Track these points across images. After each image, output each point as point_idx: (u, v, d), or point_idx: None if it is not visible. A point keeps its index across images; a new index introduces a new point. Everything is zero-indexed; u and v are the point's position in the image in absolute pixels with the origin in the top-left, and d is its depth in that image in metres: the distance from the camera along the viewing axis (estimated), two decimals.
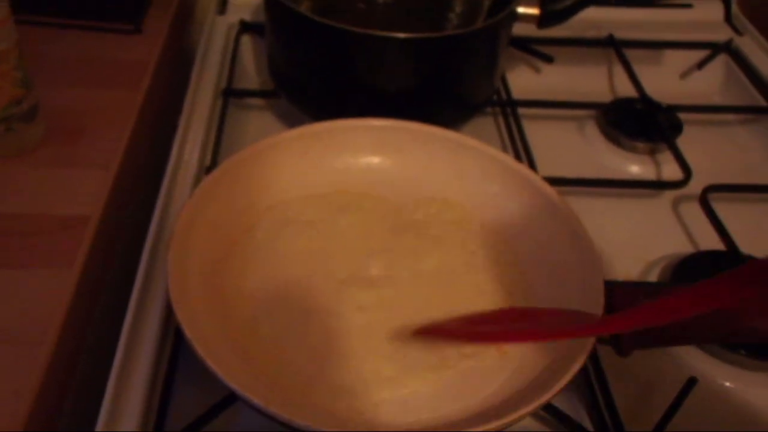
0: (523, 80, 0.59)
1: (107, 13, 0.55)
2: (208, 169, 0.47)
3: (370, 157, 0.44)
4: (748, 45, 0.62)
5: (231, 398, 0.32)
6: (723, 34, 0.63)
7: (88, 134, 0.45)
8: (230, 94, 0.54)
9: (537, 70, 0.61)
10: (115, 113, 0.46)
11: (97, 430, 0.32)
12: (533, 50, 0.59)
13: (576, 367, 0.31)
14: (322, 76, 0.49)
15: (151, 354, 0.35)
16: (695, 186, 0.48)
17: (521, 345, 0.36)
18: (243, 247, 0.39)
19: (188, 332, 0.31)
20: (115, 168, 0.43)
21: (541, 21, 0.51)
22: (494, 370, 0.35)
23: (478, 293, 0.38)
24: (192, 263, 0.36)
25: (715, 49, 0.62)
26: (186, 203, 0.37)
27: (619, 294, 0.34)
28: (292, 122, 0.52)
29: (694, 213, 0.48)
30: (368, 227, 0.41)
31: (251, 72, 0.59)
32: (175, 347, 0.36)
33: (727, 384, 0.38)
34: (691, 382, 0.36)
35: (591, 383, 0.37)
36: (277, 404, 0.29)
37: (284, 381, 0.33)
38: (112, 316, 0.38)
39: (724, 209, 0.46)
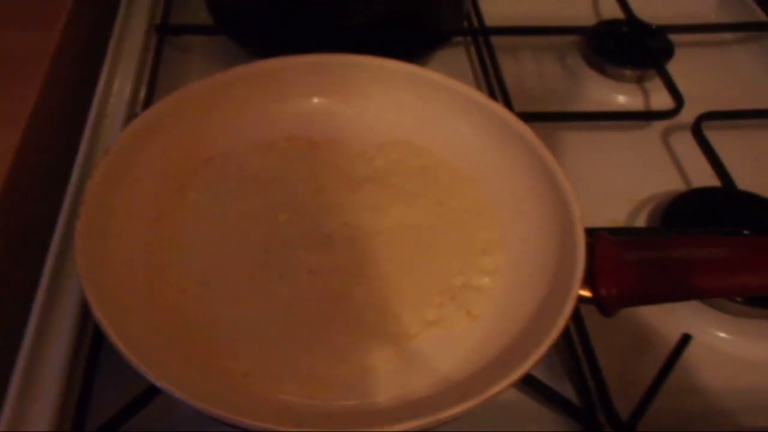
0: (497, 4, 0.52)
1: None
2: None
3: (321, 98, 0.39)
4: None
5: (154, 390, 0.28)
6: None
7: None
8: (166, 31, 0.48)
9: None
10: (23, 60, 0.39)
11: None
12: None
13: (558, 329, 0.27)
14: (263, 5, 0.43)
15: (68, 340, 0.31)
16: (687, 115, 0.44)
17: (495, 307, 0.32)
18: (174, 210, 0.34)
19: (97, 310, 0.26)
20: (21, 128, 0.36)
21: None
22: (464, 337, 0.31)
23: (448, 250, 0.34)
24: (109, 231, 0.31)
25: None
26: (99, 161, 0.32)
27: (603, 246, 0.30)
28: (240, 64, 0.46)
29: (686, 145, 0.43)
30: (321, 180, 0.36)
31: (193, 4, 0.52)
32: (97, 331, 0.32)
33: (723, 335, 0.35)
34: (685, 339, 0.32)
35: (573, 346, 0.33)
36: (205, 397, 0.25)
37: (220, 364, 0.29)
38: (26, 303, 0.32)
39: (719, 140, 0.42)
